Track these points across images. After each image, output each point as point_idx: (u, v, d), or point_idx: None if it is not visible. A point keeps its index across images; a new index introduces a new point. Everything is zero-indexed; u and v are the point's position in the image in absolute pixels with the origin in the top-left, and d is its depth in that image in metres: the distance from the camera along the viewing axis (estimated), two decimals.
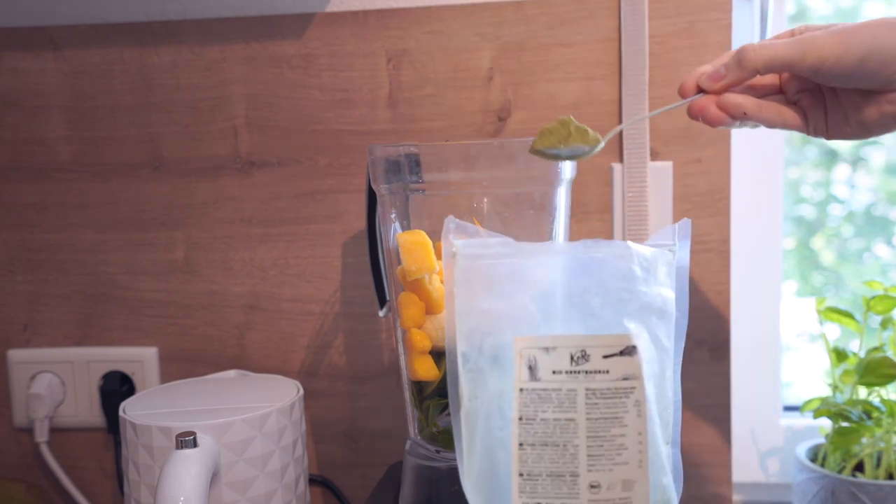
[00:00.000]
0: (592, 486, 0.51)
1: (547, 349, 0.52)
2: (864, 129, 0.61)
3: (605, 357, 0.52)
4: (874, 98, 0.59)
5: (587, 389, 0.52)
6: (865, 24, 0.57)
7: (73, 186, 0.93)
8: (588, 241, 0.54)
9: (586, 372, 0.52)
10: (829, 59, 0.57)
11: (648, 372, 0.52)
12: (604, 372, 0.52)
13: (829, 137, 0.63)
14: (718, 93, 0.61)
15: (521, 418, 0.52)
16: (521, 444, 0.52)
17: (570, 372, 0.52)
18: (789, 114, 0.62)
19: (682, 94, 0.64)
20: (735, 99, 0.61)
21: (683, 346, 0.57)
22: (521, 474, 0.52)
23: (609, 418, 0.52)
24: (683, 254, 0.56)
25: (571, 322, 0.53)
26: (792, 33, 0.62)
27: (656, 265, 0.55)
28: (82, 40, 0.90)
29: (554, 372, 0.52)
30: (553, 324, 0.53)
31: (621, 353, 0.52)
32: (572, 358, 0.52)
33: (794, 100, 0.63)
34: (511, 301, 0.53)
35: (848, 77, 0.58)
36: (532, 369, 0.52)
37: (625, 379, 0.52)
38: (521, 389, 0.52)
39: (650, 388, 0.52)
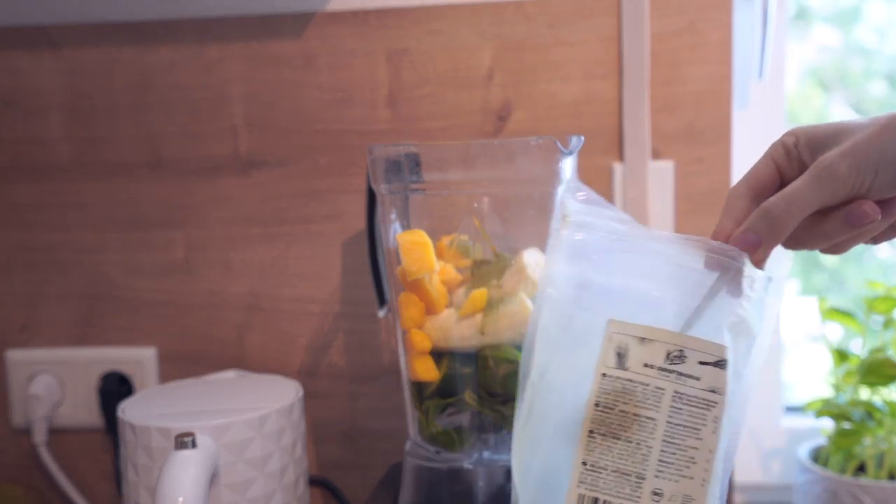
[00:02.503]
0: (655, 493, 0.49)
1: (642, 340, 0.49)
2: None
3: (701, 363, 0.49)
4: None
5: (675, 392, 0.49)
6: (874, 133, 0.51)
7: (72, 186, 0.92)
8: (709, 240, 0.51)
9: (679, 374, 0.49)
10: (864, 185, 0.51)
11: (728, 391, 0.50)
12: (695, 378, 0.49)
13: (875, 242, 0.56)
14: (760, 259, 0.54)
15: (597, 404, 0.49)
16: (590, 432, 0.49)
17: (663, 370, 0.49)
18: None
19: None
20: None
21: (757, 381, 0.53)
22: (584, 463, 0.49)
23: (688, 427, 0.49)
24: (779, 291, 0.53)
25: (669, 318, 0.50)
26: (786, 149, 0.54)
27: (760, 289, 0.52)
28: (81, 39, 0.90)
29: (646, 365, 0.49)
30: (648, 315, 0.50)
31: (715, 364, 0.49)
32: (668, 355, 0.49)
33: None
34: (612, 280, 0.50)
35: (890, 189, 0.51)
36: (621, 357, 0.49)
37: (711, 391, 0.49)
38: (603, 374, 0.49)
39: (726, 408, 0.50)
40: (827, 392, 0.91)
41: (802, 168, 0.53)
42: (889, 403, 0.85)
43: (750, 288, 0.51)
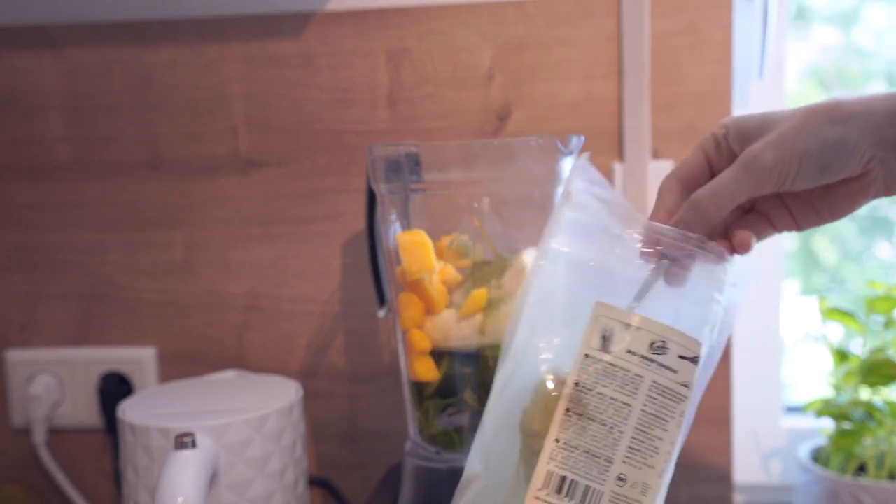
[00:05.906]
0: (620, 479, 0.49)
1: (628, 326, 0.50)
2: (835, 214, 0.56)
3: (680, 357, 0.50)
4: (835, 187, 0.54)
5: (653, 382, 0.49)
6: (798, 124, 0.51)
7: (72, 186, 0.92)
8: (689, 233, 0.52)
9: (659, 364, 0.50)
10: (789, 177, 0.51)
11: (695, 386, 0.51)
12: (673, 370, 0.50)
13: (799, 230, 0.57)
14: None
15: (577, 384, 0.49)
16: (567, 410, 0.49)
17: (645, 358, 0.49)
18: (755, 229, 0.56)
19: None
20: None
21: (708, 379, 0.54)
22: (557, 440, 0.49)
23: (659, 417, 0.49)
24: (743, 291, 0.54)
25: (655, 309, 0.50)
26: (716, 141, 0.55)
27: (727, 294, 0.53)
28: (81, 39, 0.90)
29: (629, 351, 0.49)
30: (637, 304, 0.51)
31: (691, 359, 0.50)
32: (652, 345, 0.50)
33: (749, 207, 0.57)
34: (603, 262, 0.51)
35: (813, 180, 0.52)
36: (606, 340, 0.50)
37: (684, 385, 0.50)
38: (586, 355, 0.50)
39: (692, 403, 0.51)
40: (827, 392, 0.91)
41: (732, 158, 0.54)
42: (889, 403, 0.85)
43: (720, 292, 0.52)
